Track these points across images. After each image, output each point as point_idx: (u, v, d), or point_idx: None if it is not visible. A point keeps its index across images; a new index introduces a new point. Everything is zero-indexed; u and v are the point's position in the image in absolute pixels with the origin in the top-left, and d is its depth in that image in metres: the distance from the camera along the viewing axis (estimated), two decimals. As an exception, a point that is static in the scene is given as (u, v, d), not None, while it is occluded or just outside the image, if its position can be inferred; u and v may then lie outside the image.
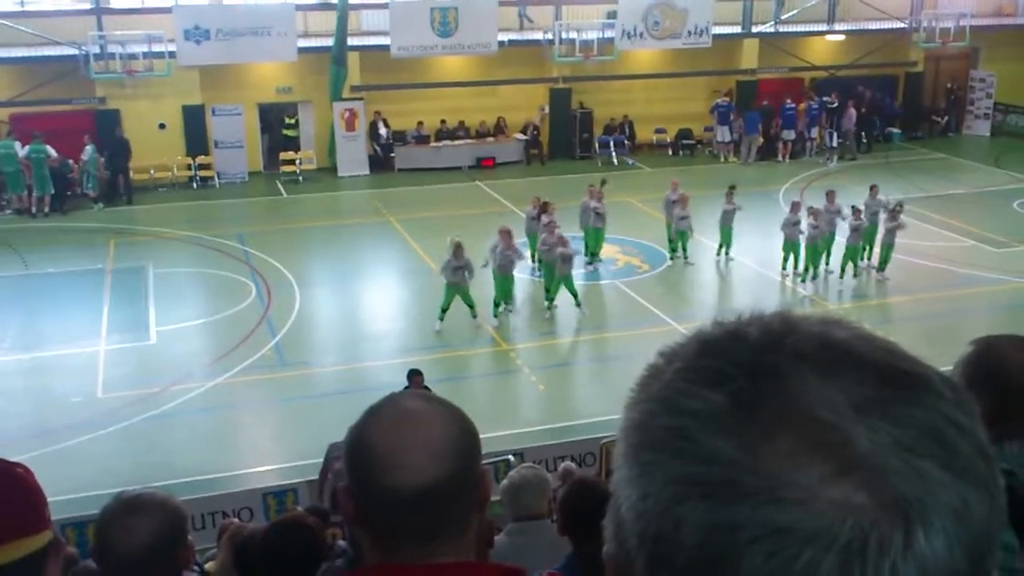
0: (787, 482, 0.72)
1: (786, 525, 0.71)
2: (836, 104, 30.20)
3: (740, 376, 0.77)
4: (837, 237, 19.31)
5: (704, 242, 20.64)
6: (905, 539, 0.70)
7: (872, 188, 20.10)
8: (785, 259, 19.35)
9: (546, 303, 17.85)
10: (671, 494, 0.76)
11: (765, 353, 0.79)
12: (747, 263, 20.44)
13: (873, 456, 0.73)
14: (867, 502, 0.71)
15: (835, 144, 30.18)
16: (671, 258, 20.58)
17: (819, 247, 19.00)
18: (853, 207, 19.12)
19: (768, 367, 0.78)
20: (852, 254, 19.19)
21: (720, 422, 0.76)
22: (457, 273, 16.63)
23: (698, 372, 0.80)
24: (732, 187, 20.47)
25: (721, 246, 20.40)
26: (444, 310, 16.87)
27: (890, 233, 19.06)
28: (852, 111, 30.39)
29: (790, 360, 0.78)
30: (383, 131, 28.59)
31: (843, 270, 19.32)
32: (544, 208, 19.05)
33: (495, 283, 17.31)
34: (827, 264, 19.33)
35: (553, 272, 17.55)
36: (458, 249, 16.59)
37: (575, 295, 17.64)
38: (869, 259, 19.54)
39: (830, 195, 19.80)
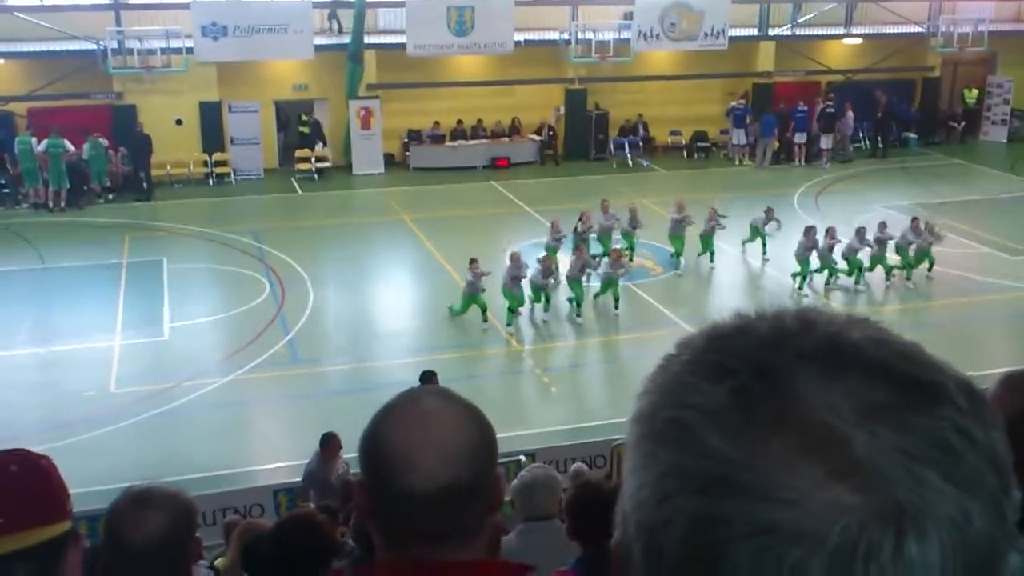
0: (780, 482, 0.72)
1: (775, 524, 0.71)
2: (833, 109, 29.99)
3: (743, 372, 0.77)
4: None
5: (721, 246, 20.53)
6: (895, 545, 0.70)
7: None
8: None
9: (576, 312, 17.84)
10: (665, 486, 0.76)
11: (771, 351, 0.78)
12: (765, 268, 20.36)
13: (870, 461, 0.72)
14: (859, 506, 0.70)
15: (829, 146, 29.95)
16: (679, 265, 20.48)
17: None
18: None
19: (772, 365, 0.77)
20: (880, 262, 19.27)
21: (719, 417, 0.76)
22: (472, 284, 16.87)
23: (703, 366, 0.80)
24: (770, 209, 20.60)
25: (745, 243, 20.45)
26: (462, 312, 17.08)
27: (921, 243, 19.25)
28: (851, 114, 30.29)
29: (795, 360, 0.77)
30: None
31: (861, 274, 19.24)
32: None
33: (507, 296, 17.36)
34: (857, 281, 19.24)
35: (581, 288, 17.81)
36: (473, 263, 16.79)
37: (616, 299, 17.84)
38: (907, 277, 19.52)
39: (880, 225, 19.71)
